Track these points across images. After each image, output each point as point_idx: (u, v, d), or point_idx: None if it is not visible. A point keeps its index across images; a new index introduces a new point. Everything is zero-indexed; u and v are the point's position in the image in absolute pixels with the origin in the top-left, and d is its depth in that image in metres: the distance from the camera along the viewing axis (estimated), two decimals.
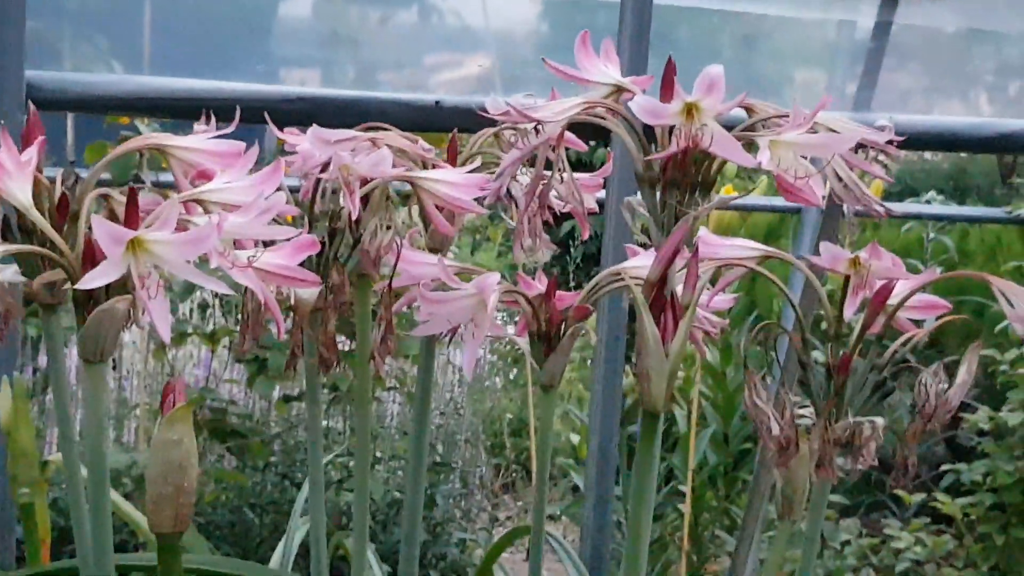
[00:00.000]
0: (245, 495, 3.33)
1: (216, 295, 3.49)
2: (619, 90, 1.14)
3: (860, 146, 1.11)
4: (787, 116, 1.07)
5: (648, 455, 1.11)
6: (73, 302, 1.02)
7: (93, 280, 0.94)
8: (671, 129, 1.05)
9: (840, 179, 1.10)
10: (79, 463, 1.12)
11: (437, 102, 1.76)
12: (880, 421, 1.17)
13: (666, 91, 1.06)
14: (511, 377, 4.78)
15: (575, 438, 3.87)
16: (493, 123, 1.38)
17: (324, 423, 3.51)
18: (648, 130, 1.11)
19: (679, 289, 1.08)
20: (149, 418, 3.22)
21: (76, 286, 0.95)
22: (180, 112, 1.83)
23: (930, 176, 8.49)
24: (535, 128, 1.07)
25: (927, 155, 8.83)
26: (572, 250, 4.76)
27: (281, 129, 1.33)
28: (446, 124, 1.83)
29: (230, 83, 1.81)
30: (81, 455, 1.12)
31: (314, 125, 1.27)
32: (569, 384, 4.30)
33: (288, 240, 1.08)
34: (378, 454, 3.40)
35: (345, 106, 1.78)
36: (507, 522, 4.21)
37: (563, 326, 1.31)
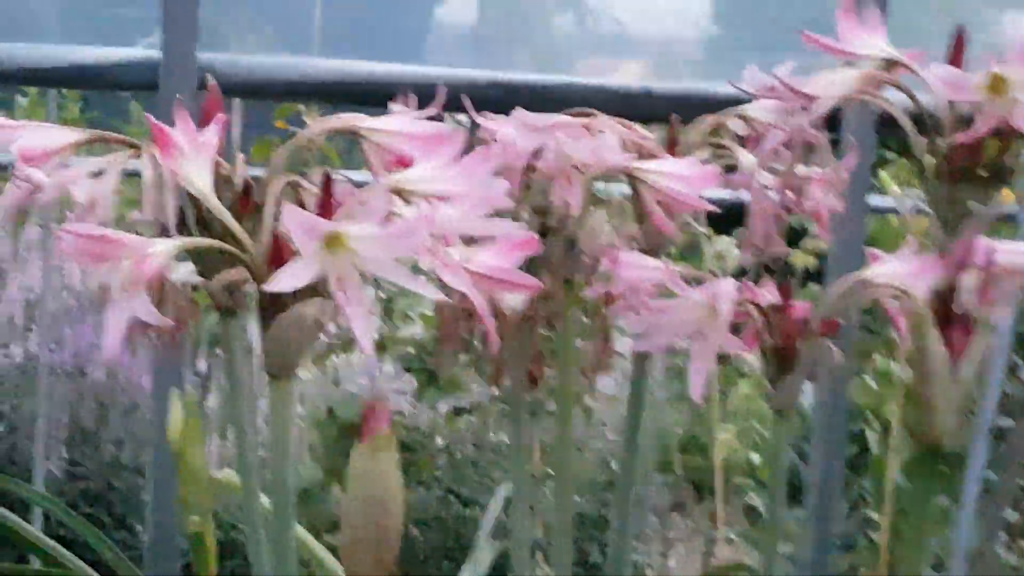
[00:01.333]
0: (409, 511, 3.17)
1: (385, 300, 3.37)
2: (890, 64, 0.97)
3: None
4: None
5: (923, 503, 0.94)
6: (258, 308, 0.88)
7: (284, 280, 0.80)
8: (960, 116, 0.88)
9: None
10: (258, 492, 0.98)
11: (647, 89, 1.59)
12: None
13: (955, 60, 0.89)
14: (674, 390, 4.60)
15: (755, 457, 3.68)
16: (710, 111, 1.23)
17: (492, 436, 3.37)
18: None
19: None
20: (311, 432, 3.10)
21: (264, 287, 0.81)
22: (360, 98, 1.68)
23: None
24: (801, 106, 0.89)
25: None
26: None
27: None
28: (655, 113, 1.69)
29: (411, 66, 1.66)
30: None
31: (517, 108, 1.11)
32: (748, 400, 4.10)
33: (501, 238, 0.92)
34: (547, 470, 3.25)
35: (543, 92, 1.61)
36: (677, 543, 4.03)
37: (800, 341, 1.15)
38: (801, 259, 3.50)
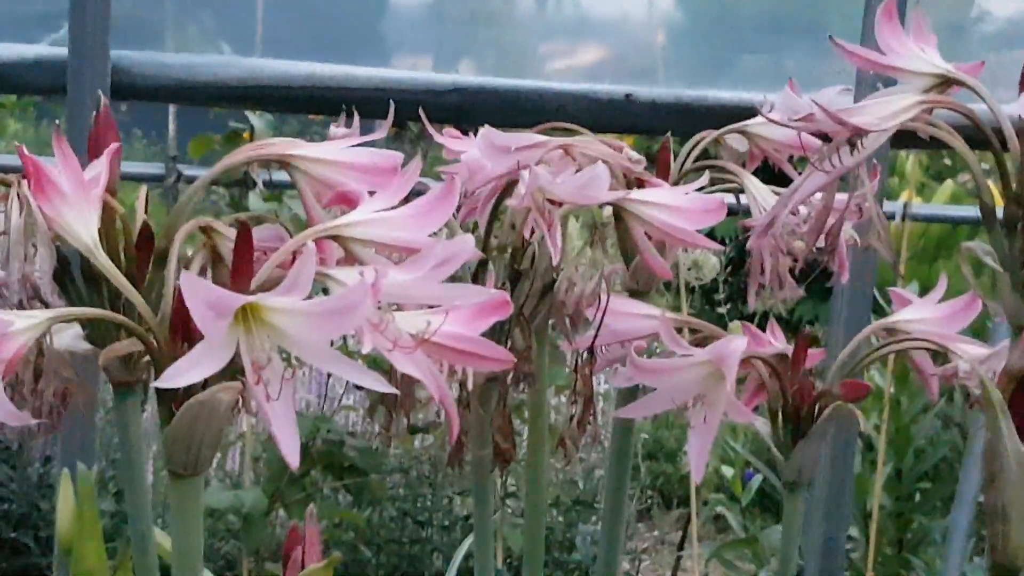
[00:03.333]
0: (362, 533, 3.01)
1: None
2: (945, 83, 0.79)
3: None
4: None
5: None
6: (155, 390, 0.69)
7: (183, 375, 0.61)
8: None
9: None
10: None
11: (628, 95, 1.39)
12: None
13: None
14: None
15: (727, 470, 3.51)
16: (702, 122, 1.06)
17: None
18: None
19: None
20: (255, 446, 2.91)
21: (156, 384, 0.62)
22: (300, 104, 1.48)
23: None
24: (848, 139, 0.71)
25: None
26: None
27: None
28: (639, 123, 1.49)
29: (362, 68, 1.45)
30: None
31: (485, 127, 0.92)
32: None
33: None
34: (510, 488, 3.08)
35: (512, 99, 1.41)
36: (644, 555, 3.87)
37: (817, 404, 0.97)
38: None
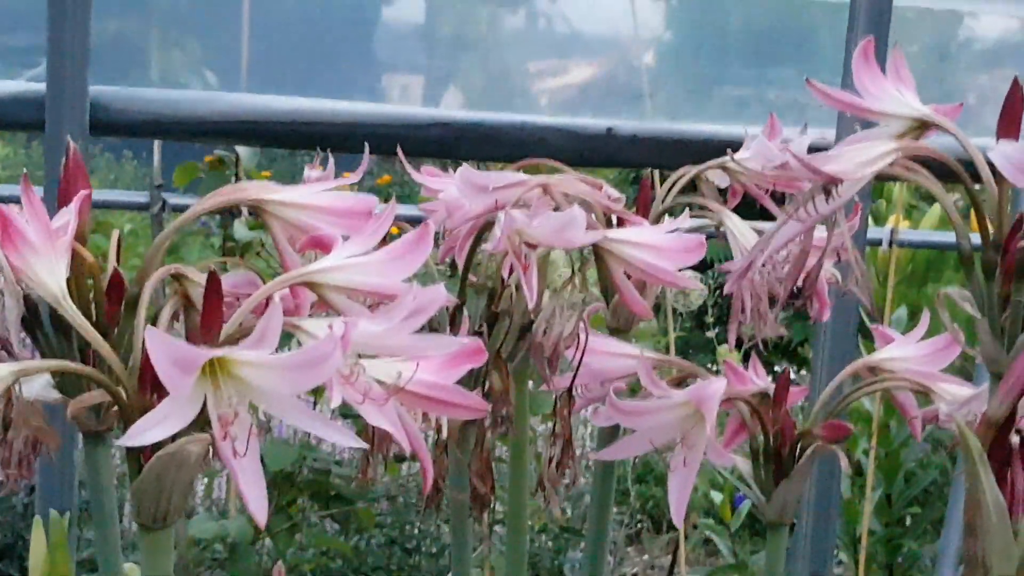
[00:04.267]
0: (349, 561, 2.99)
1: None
2: (923, 125, 0.78)
3: None
4: None
5: None
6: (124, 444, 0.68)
7: (148, 432, 0.61)
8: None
9: None
10: None
11: (609, 129, 1.38)
12: None
13: (1010, 129, 0.71)
14: None
15: (716, 495, 3.49)
16: (682, 156, 1.05)
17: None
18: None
19: None
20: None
21: (120, 442, 0.61)
22: (282, 139, 1.47)
23: None
24: (823, 185, 0.70)
25: None
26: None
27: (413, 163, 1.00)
28: (620, 157, 1.49)
29: (346, 103, 1.44)
30: None
31: (463, 165, 0.91)
32: None
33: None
34: (497, 515, 3.06)
35: (493, 133, 1.39)
36: None
37: (799, 443, 0.97)
38: None
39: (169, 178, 2.38)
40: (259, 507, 0.62)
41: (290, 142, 1.51)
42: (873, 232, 2.61)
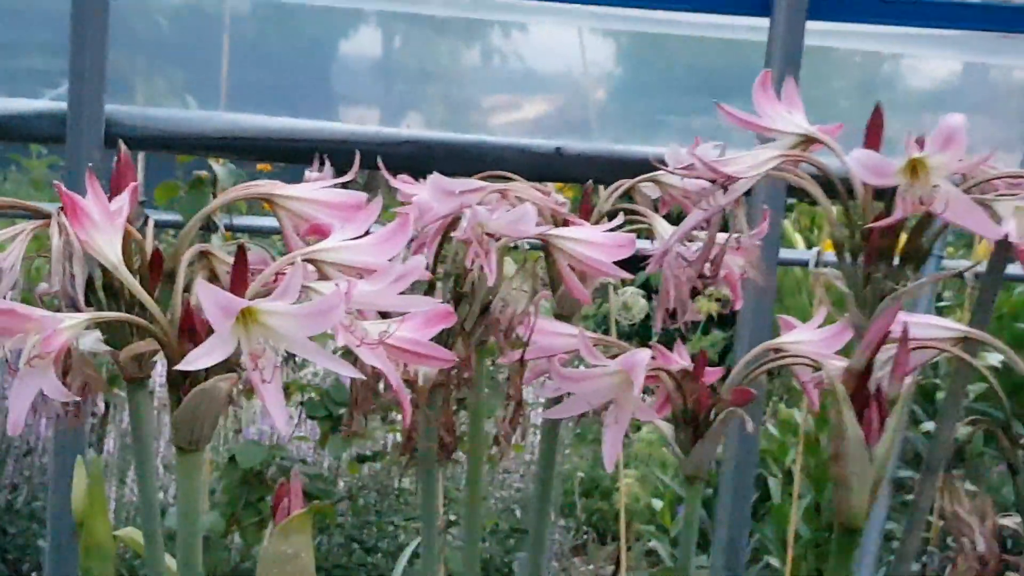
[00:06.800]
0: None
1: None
2: (807, 141, 0.97)
3: None
4: (1014, 177, 0.90)
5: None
6: (167, 379, 0.86)
7: (198, 360, 0.78)
8: (877, 190, 0.89)
9: None
10: (163, 558, 0.96)
11: (558, 148, 1.58)
12: None
13: (872, 141, 0.90)
14: (577, 432, 4.58)
15: (657, 503, 3.68)
16: (622, 172, 1.22)
17: (396, 482, 3.34)
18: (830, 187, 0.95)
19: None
20: (213, 477, 3.05)
21: (178, 367, 0.79)
22: (272, 153, 1.67)
23: None
24: (720, 184, 0.89)
25: None
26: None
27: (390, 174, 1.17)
28: (567, 172, 1.69)
29: (329, 124, 1.64)
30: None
31: (434, 173, 1.10)
32: (650, 446, 4.10)
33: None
34: (451, 517, 3.23)
35: (458, 151, 1.60)
36: None
37: (712, 408, 1.15)
38: (705, 306, 3.51)
39: (151, 196, 2.55)
40: (281, 420, 0.79)
41: (281, 156, 1.70)
42: (803, 255, 2.81)
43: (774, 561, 3.23)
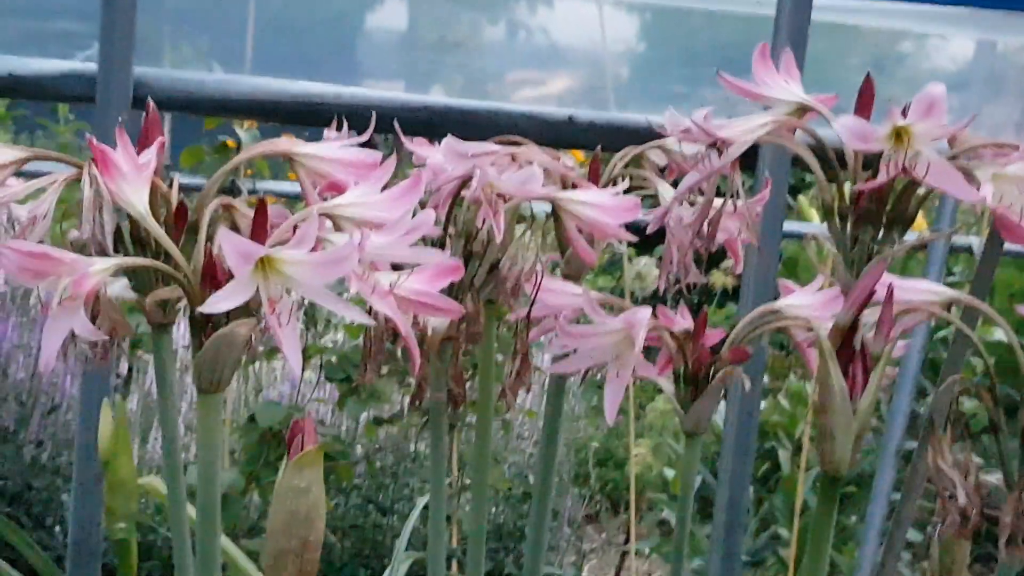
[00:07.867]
0: (328, 519, 3.19)
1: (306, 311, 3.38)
2: (802, 109, 1.02)
3: None
4: (998, 146, 0.94)
5: (824, 523, 0.99)
6: (190, 324, 0.91)
7: (219, 303, 0.83)
8: (866, 155, 0.93)
9: None
10: (185, 501, 1.01)
11: (570, 117, 1.64)
12: None
13: (863, 110, 0.94)
14: (593, 403, 4.64)
15: (669, 472, 3.73)
16: (631, 140, 1.27)
17: (411, 446, 3.40)
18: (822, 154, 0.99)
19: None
20: (233, 437, 3.11)
21: (200, 309, 0.84)
22: (293, 116, 1.72)
23: None
24: (716, 147, 0.94)
25: None
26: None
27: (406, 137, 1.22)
28: (579, 140, 1.74)
29: (349, 88, 1.69)
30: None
31: (448, 136, 1.15)
32: (663, 416, 4.15)
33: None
34: (466, 480, 3.29)
35: (472, 118, 1.66)
36: (591, 555, 4.08)
37: (711, 367, 1.19)
38: (720, 279, 3.56)
39: (176, 160, 2.62)
40: (295, 360, 0.84)
41: (303, 120, 1.75)
42: (810, 228, 2.84)
43: (783, 531, 3.28)
